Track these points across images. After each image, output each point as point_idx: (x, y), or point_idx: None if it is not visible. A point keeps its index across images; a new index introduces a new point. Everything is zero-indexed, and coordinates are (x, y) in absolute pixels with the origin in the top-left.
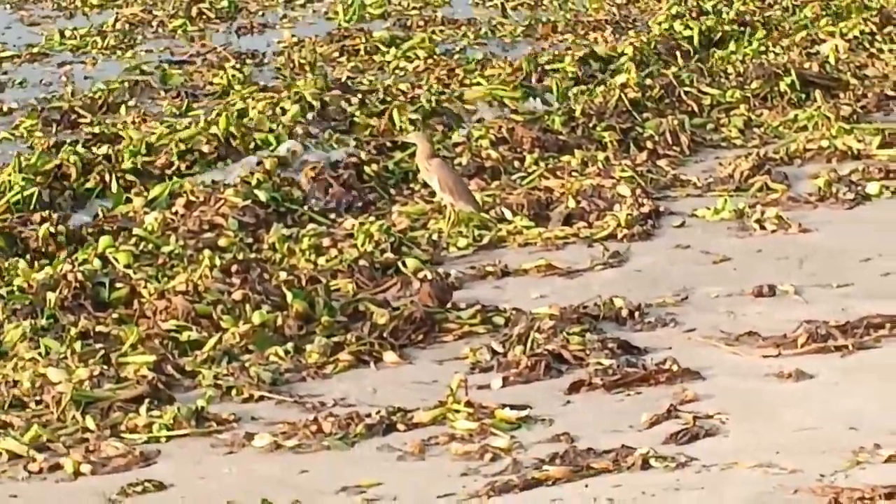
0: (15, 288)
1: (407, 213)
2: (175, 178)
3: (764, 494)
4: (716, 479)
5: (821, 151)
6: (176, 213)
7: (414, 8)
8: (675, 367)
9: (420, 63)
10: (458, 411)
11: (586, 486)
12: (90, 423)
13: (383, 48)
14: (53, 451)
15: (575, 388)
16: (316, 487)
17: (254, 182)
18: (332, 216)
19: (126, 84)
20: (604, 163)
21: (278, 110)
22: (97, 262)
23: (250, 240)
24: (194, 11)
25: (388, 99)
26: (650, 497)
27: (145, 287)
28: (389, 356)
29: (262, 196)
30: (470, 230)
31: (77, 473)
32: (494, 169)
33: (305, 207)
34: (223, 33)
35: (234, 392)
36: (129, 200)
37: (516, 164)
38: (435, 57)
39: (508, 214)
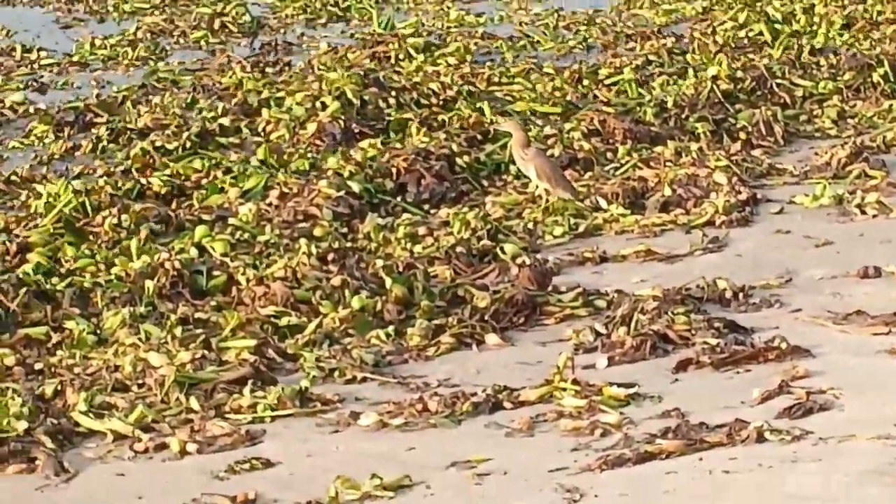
0: (113, 276)
1: (501, 203)
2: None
3: (885, 465)
4: (834, 451)
5: None
6: (270, 204)
7: (449, 27)
8: (783, 346)
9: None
10: (565, 389)
11: (700, 459)
12: (194, 403)
13: (414, 54)
14: (158, 432)
15: (682, 366)
16: (424, 463)
17: (346, 173)
18: (426, 207)
19: (146, 85)
20: (698, 153)
21: (318, 104)
22: (194, 251)
23: (345, 230)
24: (217, 24)
25: (421, 99)
26: (767, 469)
27: (243, 274)
28: (492, 338)
29: (356, 187)
30: (566, 219)
31: (183, 452)
32: (587, 160)
33: (399, 198)
34: (245, 47)
35: (336, 374)
36: (222, 191)
37: (609, 155)
38: (468, 63)
39: (603, 203)
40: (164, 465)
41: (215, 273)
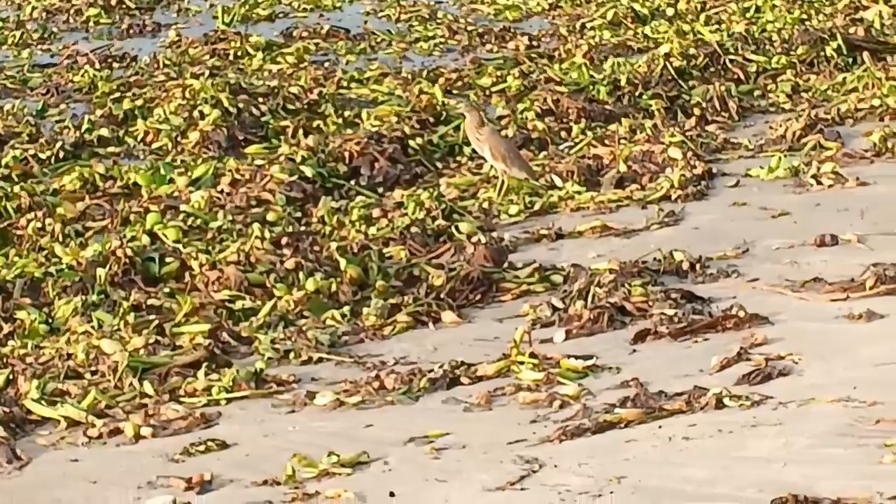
0: (64, 265)
1: (455, 184)
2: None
3: (845, 426)
4: (794, 415)
5: (872, 111)
6: (222, 191)
7: (304, 9)
8: (741, 314)
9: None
10: (522, 363)
11: (660, 426)
12: (148, 388)
13: (253, 52)
14: (112, 417)
15: (640, 337)
16: (382, 440)
17: (299, 158)
18: (380, 190)
19: None
20: (652, 130)
21: (196, 113)
22: (146, 239)
23: (298, 214)
24: (113, 1)
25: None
26: (727, 434)
27: (196, 259)
28: (448, 316)
29: (309, 172)
30: (521, 197)
31: (137, 436)
32: (541, 140)
33: (352, 182)
34: (116, 30)
35: (292, 355)
36: (171, 181)
37: (563, 134)
38: (305, 64)
39: (558, 182)
40: (118, 450)
41: (168, 260)
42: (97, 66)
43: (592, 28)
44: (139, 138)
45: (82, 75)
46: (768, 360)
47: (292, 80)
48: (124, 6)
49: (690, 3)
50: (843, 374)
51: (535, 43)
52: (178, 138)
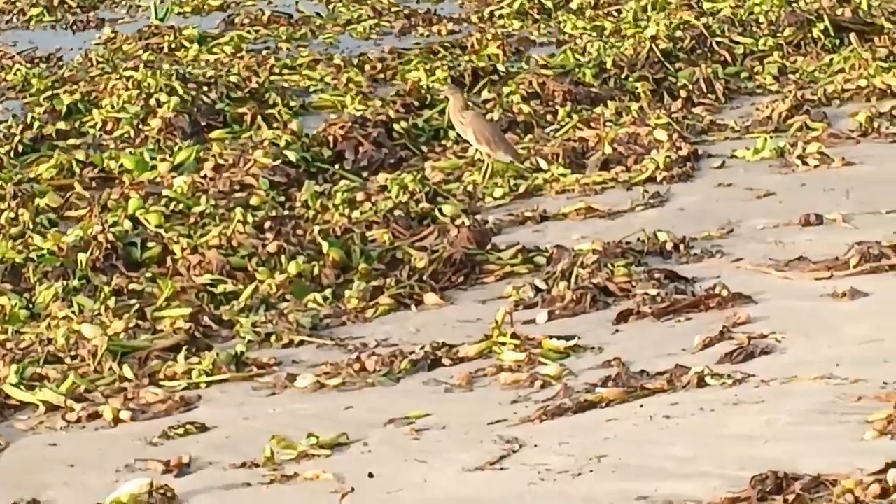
0: (45, 251)
1: (440, 167)
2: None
3: (827, 403)
4: (776, 393)
5: (859, 91)
6: (205, 176)
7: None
8: (724, 293)
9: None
10: (504, 344)
11: (641, 405)
12: (128, 372)
13: (188, 44)
14: (91, 401)
15: (623, 317)
16: (362, 421)
17: (283, 143)
18: (364, 174)
19: None
20: (638, 112)
21: (153, 101)
22: (128, 224)
23: (282, 199)
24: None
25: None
26: (709, 412)
27: (177, 244)
28: (430, 298)
29: (293, 156)
30: (506, 180)
31: (116, 420)
32: (527, 123)
33: (337, 166)
34: (60, 27)
35: (273, 338)
36: (153, 167)
37: (549, 117)
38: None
39: (544, 164)
40: (96, 434)
41: (150, 244)
42: (27, 65)
43: (501, 17)
44: (98, 128)
45: (14, 73)
46: (751, 339)
47: (229, 70)
48: (66, 4)
49: None
50: (826, 352)
51: (457, 28)
52: (140, 126)
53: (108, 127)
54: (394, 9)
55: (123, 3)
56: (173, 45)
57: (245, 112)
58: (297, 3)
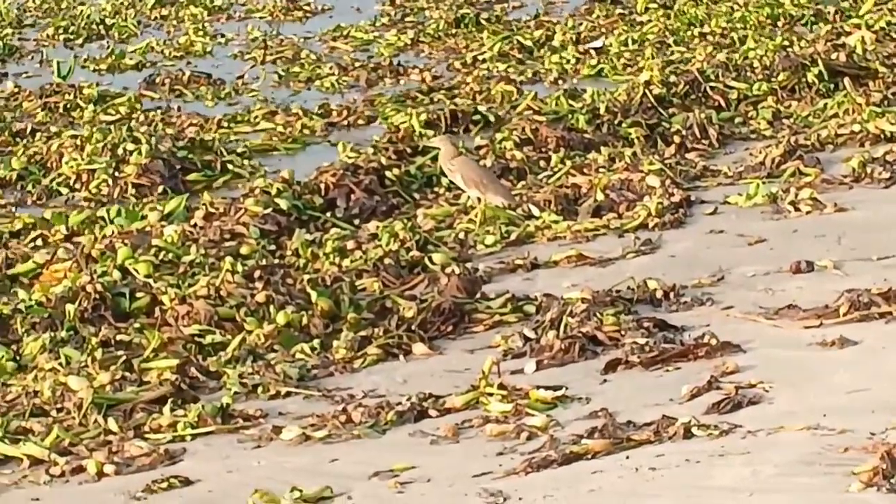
0: (33, 302)
1: (432, 215)
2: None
3: (813, 454)
4: (762, 444)
5: (853, 136)
6: (195, 225)
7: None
8: (713, 342)
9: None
10: (491, 394)
11: (627, 457)
12: (112, 425)
13: (83, 104)
14: (76, 455)
15: (611, 366)
16: (347, 474)
17: (273, 191)
18: (356, 222)
19: None
20: (631, 158)
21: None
22: (116, 274)
23: (273, 247)
24: None
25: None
26: (695, 464)
27: (165, 294)
28: (419, 348)
29: (283, 204)
30: (497, 228)
31: (100, 474)
32: (520, 170)
33: (328, 214)
34: None
35: (260, 389)
36: (143, 217)
37: (542, 163)
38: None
39: (536, 211)
40: (80, 489)
41: (138, 295)
42: None
43: (485, 60)
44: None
45: None
46: (738, 389)
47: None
48: None
49: (566, 34)
50: (813, 402)
51: (438, 74)
52: (115, 173)
53: (84, 178)
54: (356, 63)
55: (32, 57)
56: (69, 105)
57: (212, 160)
58: (242, 76)
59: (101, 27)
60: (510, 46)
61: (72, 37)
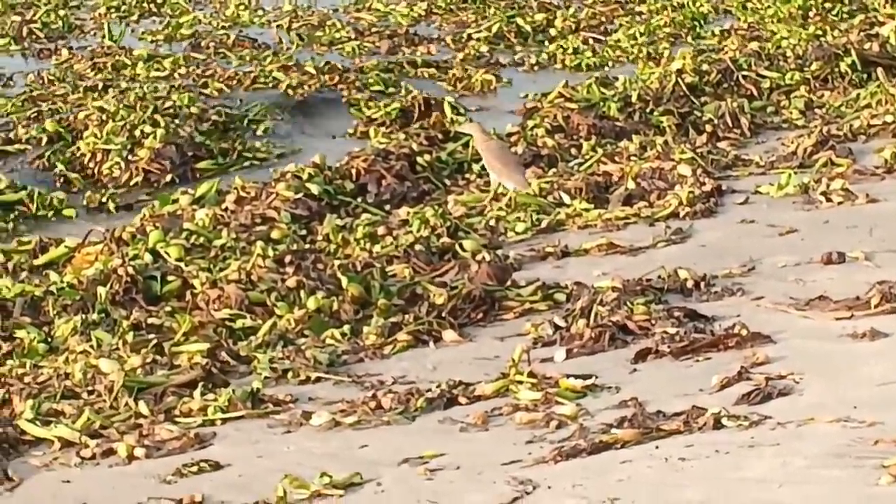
0: (65, 284)
1: (463, 201)
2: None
3: (843, 447)
4: (792, 435)
5: (885, 126)
6: (226, 209)
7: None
8: (744, 332)
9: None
10: (521, 382)
11: (657, 447)
12: (143, 408)
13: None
14: (106, 438)
15: (641, 356)
16: (376, 460)
17: (305, 176)
18: (387, 207)
19: None
20: (663, 146)
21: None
22: (148, 257)
23: (304, 232)
24: (25, 31)
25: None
26: (724, 455)
27: (196, 277)
28: (449, 335)
29: (315, 189)
30: (528, 215)
31: (131, 457)
32: (551, 157)
33: (359, 199)
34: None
35: (290, 374)
36: (175, 201)
37: (573, 151)
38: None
39: (567, 199)
40: (110, 471)
41: (170, 278)
42: None
43: (478, 40)
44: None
45: None
46: (769, 380)
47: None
48: (33, 35)
49: (566, 21)
50: (843, 394)
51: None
52: (128, 156)
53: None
54: (374, 30)
55: (92, 32)
56: (118, 65)
57: (227, 147)
58: (276, 28)
59: (151, 4)
60: (508, 29)
61: (124, 15)
